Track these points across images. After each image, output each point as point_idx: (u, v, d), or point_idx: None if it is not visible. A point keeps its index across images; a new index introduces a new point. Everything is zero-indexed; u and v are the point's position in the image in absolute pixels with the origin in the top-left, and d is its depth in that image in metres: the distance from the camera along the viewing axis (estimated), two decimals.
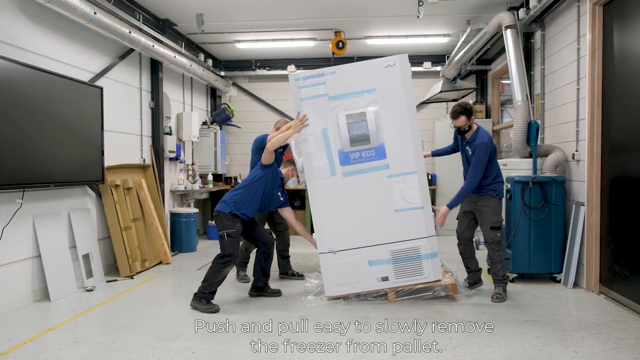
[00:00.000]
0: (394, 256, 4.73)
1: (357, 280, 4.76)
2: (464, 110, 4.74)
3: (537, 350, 3.54)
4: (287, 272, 5.78)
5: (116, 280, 5.72)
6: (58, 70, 5.09)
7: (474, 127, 4.86)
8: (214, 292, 4.65)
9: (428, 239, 4.74)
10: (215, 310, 4.54)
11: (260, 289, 5.04)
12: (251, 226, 4.94)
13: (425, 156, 5.14)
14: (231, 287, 5.36)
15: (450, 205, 4.82)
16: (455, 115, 4.81)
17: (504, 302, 4.70)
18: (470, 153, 4.87)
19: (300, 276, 5.73)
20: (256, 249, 5.09)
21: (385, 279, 4.76)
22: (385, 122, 4.71)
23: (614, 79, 4.76)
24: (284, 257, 5.79)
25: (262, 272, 5.00)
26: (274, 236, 5.79)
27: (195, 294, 4.63)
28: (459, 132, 4.91)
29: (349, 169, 4.72)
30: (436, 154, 5.48)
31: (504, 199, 5.31)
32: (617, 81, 4.72)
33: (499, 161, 6.07)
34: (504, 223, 4.94)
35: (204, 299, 4.57)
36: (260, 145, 5.18)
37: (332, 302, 4.76)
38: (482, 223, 4.88)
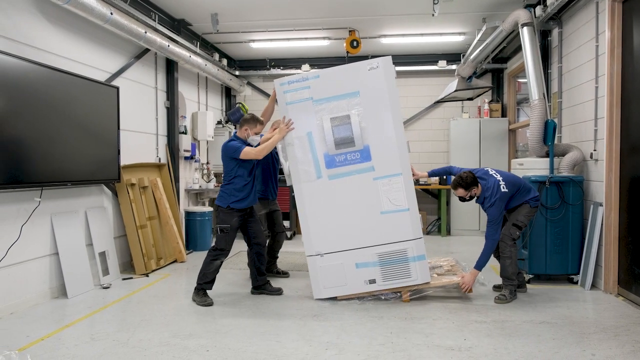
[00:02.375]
0: (381, 259, 4.73)
1: (345, 282, 4.77)
2: (460, 183, 4.74)
3: (554, 352, 3.49)
4: (271, 270, 5.81)
5: (132, 278, 5.79)
6: (75, 70, 5.16)
7: (478, 191, 4.79)
8: (210, 283, 4.82)
9: (415, 241, 4.73)
10: (208, 303, 4.71)
11: (260, 287, 5.11)
12: (248, 221, 4.98)
13: (421, 177, 5.25)
14: (246, 286, 5.37)
15: (479, 267, 4.70)
16: (453, 187, 4.83)
17: (515, 304, 4.64)
18: (484, 209, 4.83)
19: (285, 274, 5.85)
20: (249, 248, 5.14)
21: (372, 281, 4.76)
22: (369, 124, 4.71)
23: (634, 77, 4.68)
24: (273, 257, 5.87)
25: (257, 271, 5.08)
26: (269, 235, 5.83)
27: (195, 287, 4.84)
28: (461, 200, 4.90)
29: (335, 172, 4.74)
30: (432, 174, 5.35)
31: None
32: (637, 79, 4.63)
33: (515, 161, 6.04)
34: (525, 226, 4.85)
35: (201, 290, 4.79)
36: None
37: (346, 302, 4.75)
38: (509, 220, 4.84)
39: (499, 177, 4.73)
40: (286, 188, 7.90)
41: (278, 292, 5.06)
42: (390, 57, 4.80)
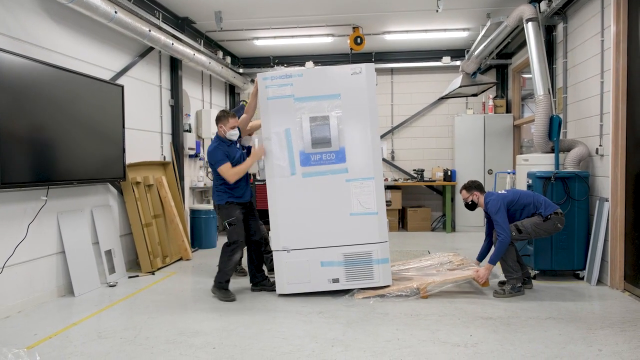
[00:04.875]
0: (346, 259, 4.81)
1: (309, 280, 4.83)
2: (464, 185, 5.10)
3: (560, 348, 3.49)
4: (272, 268, 5.60)
5: (138, 276, 5.81)
6: (80, 69, 5.17)
7: (480, 199, 4.97)
8: (228, 282, 4.86)
9: (380, 245, 4.82)
10: (231, 299, 4.76)
11: (258, 283, 5.15)
12: (248, 217, 5.06)
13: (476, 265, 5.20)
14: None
15: (493, 261, 4.74)
16: (460, 189, 5.18)
17: (521, 300, 4.63)
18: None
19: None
20: (247, 247, 5.16)
21: (336, 280, 4.83)
22: (347, 127, 4.80)
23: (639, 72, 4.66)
24: (267, 253, 5.60)
25: (255, 268, 5.15)
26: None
27: (214, 285, 4.91)
28: (466, 205, 5.12)
29: (309, 170, 4.80)
30: (482, 256, 5.23)
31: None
32: None
33: (520, 156, 6.02)
34: (529, 235, 4.82)
35: (222, 288, 4.83)
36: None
37: (353, 298, 4.75)
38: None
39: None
40: None
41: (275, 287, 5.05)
42: (373, 64, 4.94)
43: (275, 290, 4.98)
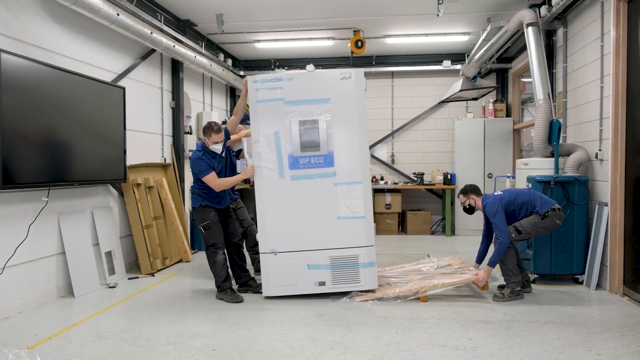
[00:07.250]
0: (332, 262, 4.84)
1: (295, 282, 4.86)
2: (461, 190, 5.08)
3: (559, 352, 3.50)
4: (260, 269, 5.52)
5: (137, 277, 5.82)
6: (82, 71, 5.19)
7: (477, 202, 4.97)
8: (227, 280, 4.89)
9: (367, 249, 4.85)
10: (238, 300, 4.79)
11: (244, 284, 5.18)
12: (226, 220, 5.10)
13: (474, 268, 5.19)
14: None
15: (492, 263, 4.72)
16: (458, 194, 5.18)
17: (520, 304, 4.64)
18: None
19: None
20: (227, 249, 5.18)
21: (322, 283, 4.86)
22: (336, 131, 4.84)
23: (639, 77, 4.67)
24: (256, 253, 5.63)
25: (239, 269, 5.19)
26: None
27: (217, 289, 4.95)
28: (464, 210, 5.11)
29: (297, 173, 4.83)
30: (480, 258, 5.20)
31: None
32: None
33: (520, 160, 6.03)
34: (529, 235, 4.82)
35: (223, 289, 4.87)
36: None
37: (352, 301, 4.75)
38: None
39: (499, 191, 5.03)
40: None
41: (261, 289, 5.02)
42: (362, 69, 4.97)
43: (261, 292, 4.99)
